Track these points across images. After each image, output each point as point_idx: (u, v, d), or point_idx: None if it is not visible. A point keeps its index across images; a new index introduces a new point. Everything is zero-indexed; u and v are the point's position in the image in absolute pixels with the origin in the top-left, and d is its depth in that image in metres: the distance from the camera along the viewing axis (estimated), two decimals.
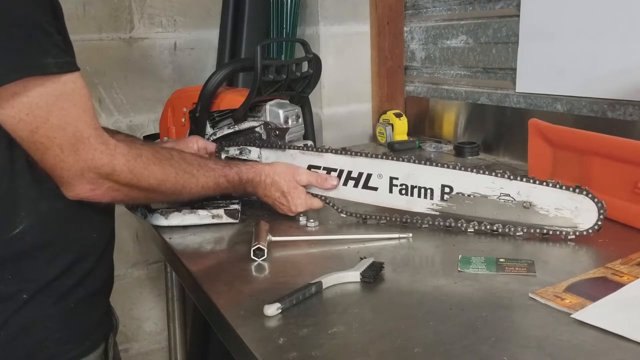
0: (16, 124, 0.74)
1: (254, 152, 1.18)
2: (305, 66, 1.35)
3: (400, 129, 1.78)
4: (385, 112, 1.82)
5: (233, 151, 1.19)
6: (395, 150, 1.71)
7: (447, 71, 1.77)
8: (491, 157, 1.58)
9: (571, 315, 0.71)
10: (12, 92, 0.72)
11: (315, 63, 1.34)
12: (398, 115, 1.79)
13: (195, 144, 1.20)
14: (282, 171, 1.08)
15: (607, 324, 0.68)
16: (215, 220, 1.10)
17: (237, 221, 1.11)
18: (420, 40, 1.85)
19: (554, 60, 1.39)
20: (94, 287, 0.89)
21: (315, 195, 1.11)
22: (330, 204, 1.11)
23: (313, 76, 1.35)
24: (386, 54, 1.88)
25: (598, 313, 0.71)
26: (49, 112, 0.75)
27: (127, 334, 1.91)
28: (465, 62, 1.68)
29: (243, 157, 1.18)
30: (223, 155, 1.19)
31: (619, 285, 0.78)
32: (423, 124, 1.84)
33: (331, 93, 1.84)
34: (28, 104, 0.73)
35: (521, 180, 0.97)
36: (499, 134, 1.58)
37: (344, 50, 1.84)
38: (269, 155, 1.17)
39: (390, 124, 1.79)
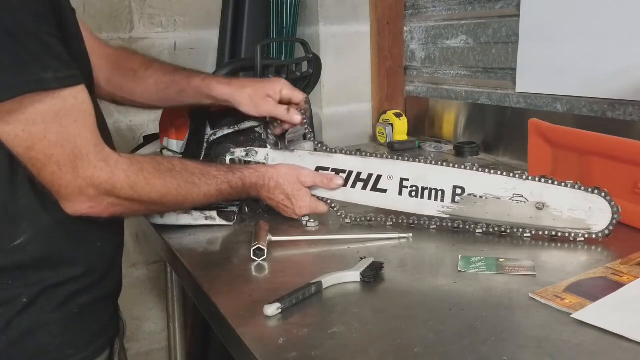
0: (12, 139, 0.72)
1: (260, 154, 1.15)
2: (305, 66, 1.35)
3: (400, 129, 1.78)
4: (385, 112, 1.82)
5: (239, 152, 1.16)
6: (395, 150, 1.71)
7: (447, 71, 1.77)
8: (491, 157, 1.58)
9: (571, 315, 0.71)
10: (7, 109, 0.70)
11: (315, 63, 1.34)
12: (398, 115, 1.79)
13: (279, 92, 1.11)
14: (287, 173, 1.06)
15: (607, 324, 0.68)
16: (209, 222, 1.09)
17: (231, 224, 1.10)
18: (420, 40, 1.85)
19: (554, 60, 1.39)
20: (100, 293, 0.88)
21: (321, 199, 1.09)
22: (335, 209, 1.09)
23: (313, 76, 1.35)
24: (386, 54, 1.88)
25: (598, 313, 0.71)
26: (46, 129, 0.72)
27: (127, 334, 1.90)
28: (465, 62, 1.68)
29: (249, 159, 1.15)
30: (228, 157, 1.16)
31: (619, 285, 0.78)
32: (423, 124, 1.84)
33: (331, 93, 1.84)
34: (24, 121, 0.71)
35: (534, 180, 0.96)
36: (499, 134, 1.58)
37: (344, 50, 1.83)
38: (276, 156, 1.14)
39: (390, 124, 1.79)
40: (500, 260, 0.88)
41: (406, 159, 1.05)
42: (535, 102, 1.47)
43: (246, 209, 1.14)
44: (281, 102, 1.12)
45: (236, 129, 1.26)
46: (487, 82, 1.62)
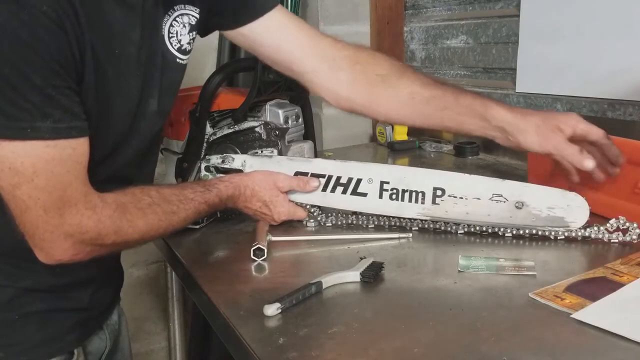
0: None
1: (237, 160, 1.11)
2: None
3: (400, 129, 1.78)
4: None
5: (215, 159, 1.13)
6: (395, 150, 1.71)
7: (447, 71, 1.76)
8: (491, 157, 1.58)
9: (571, 315, 0.71)
10: None
11: None
12: None
13: (572, 127, 0.94)
14: (262, 180, 1.03)
15: (607, 324, 0.68)
16: None
17: (197, 227, 1.08)
18: (420, 40, 1.85)
19: (554, 60, 1.39)
20: (57, 305, 0.85)
21: (300, 204, 1.07)
22: (315, 214, 1.08)
23: None
24: (386, 54, 1.88)
25: (598, 313, 0.71)
26: (34, 173, 0.71)
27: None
28: (465, 62, 1.68)
29: (225, 166, 1.12)
30: (203, 165, 1.13)
31: (619, 285, 0.78)
32: None
33: None
34: (12, 159, 0.70)
35: (513, 180, 0.97)
36: None
37: None
38: (253, 162, 1.11)
39: (390, 124, 1.79)
40: (500, 260, 0.88)
41: (385, 162, 1.04)
42: (535, 102, 1.47)
43: (218, 214, 1.12)
44: (572, 140, 0.95)
45: (236, 129, 1.26)
46: (487, 82, 1.62)
